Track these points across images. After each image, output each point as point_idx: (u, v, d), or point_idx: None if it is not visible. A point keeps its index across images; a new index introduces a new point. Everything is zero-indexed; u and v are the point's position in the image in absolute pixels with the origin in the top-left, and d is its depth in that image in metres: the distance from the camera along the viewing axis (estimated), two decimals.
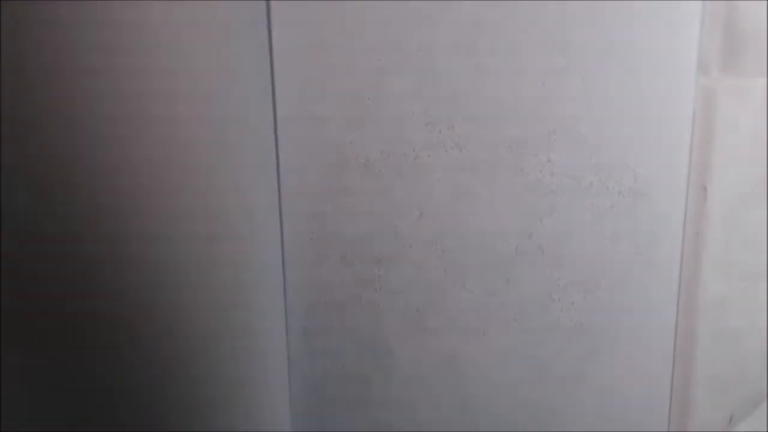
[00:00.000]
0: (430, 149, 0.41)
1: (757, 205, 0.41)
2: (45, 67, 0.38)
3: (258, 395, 0.44)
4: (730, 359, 0.43)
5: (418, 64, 0.40)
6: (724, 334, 0.42)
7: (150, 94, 0.40)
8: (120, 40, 0.39)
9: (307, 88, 0.40)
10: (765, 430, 0.44)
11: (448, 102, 0.40)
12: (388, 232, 0.41)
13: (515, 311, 0.42)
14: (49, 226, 0.41)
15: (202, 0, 0.39)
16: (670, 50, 0.39)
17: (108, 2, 0.37)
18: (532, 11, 0.39)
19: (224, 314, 0.43)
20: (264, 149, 0.41)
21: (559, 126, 0.40)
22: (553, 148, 0.41)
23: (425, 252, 0.42)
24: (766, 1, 0.39)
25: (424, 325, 0.42)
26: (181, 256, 0.41)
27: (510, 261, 0.42)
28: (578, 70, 0.40)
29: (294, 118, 0.40)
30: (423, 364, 0.43)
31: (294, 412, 0.44)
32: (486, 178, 0.41)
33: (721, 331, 0.42)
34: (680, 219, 0.42)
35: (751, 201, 0.41)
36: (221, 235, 0.41)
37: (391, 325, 0.42)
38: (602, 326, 0.43)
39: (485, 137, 0.40)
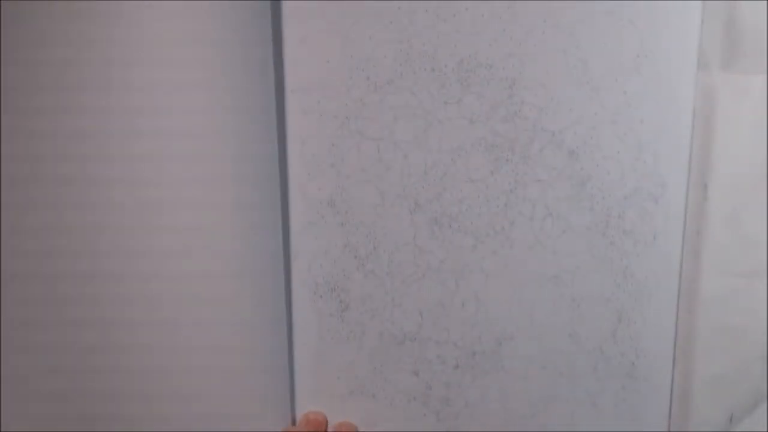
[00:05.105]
0: (430, 142, 0.41)
1: (757, 203, 0.41)
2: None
3: (259, 391, 0.43)
4: (730, 359, 0.43)
5: (418, 61, 0.40)
6: (724, 332, 0.42)
7: (153, 87, 0.40)
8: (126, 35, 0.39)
9: (313, 78, 0.40)
10: (765, 430, 0.43)
11: (448, 99, 0.40)
12: (392, 223, 0.41)
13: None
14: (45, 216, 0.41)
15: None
16: (671, 48, 0.40)
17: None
18: (532, 11, 0.39)
19: (225, 307, 0.42)
20: (268, 140, 0.41)
21: (559, 125, 0.41)
22: (553, 146, 0.41)
23: (428, 244, 0.42)
24: (765, 0, 0.39)
25: (428, 317, 0.42)
26: (184, 248, 0.41)
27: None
28: (578, 71, 0.40)
29: (299, 108, 0.40)
30: (424, 361, 0.43)
31: (296, 407, 0.44)
32: (486, 174, 0.41)
33: (721, 329, 0.42)
34: (681, 217, 0.42)
35: (751, 199, 0.41)
36: (223, 227, 0.41)
37: (395, 317, 0.42)
38: (602, 324, 0.43)
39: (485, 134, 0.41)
